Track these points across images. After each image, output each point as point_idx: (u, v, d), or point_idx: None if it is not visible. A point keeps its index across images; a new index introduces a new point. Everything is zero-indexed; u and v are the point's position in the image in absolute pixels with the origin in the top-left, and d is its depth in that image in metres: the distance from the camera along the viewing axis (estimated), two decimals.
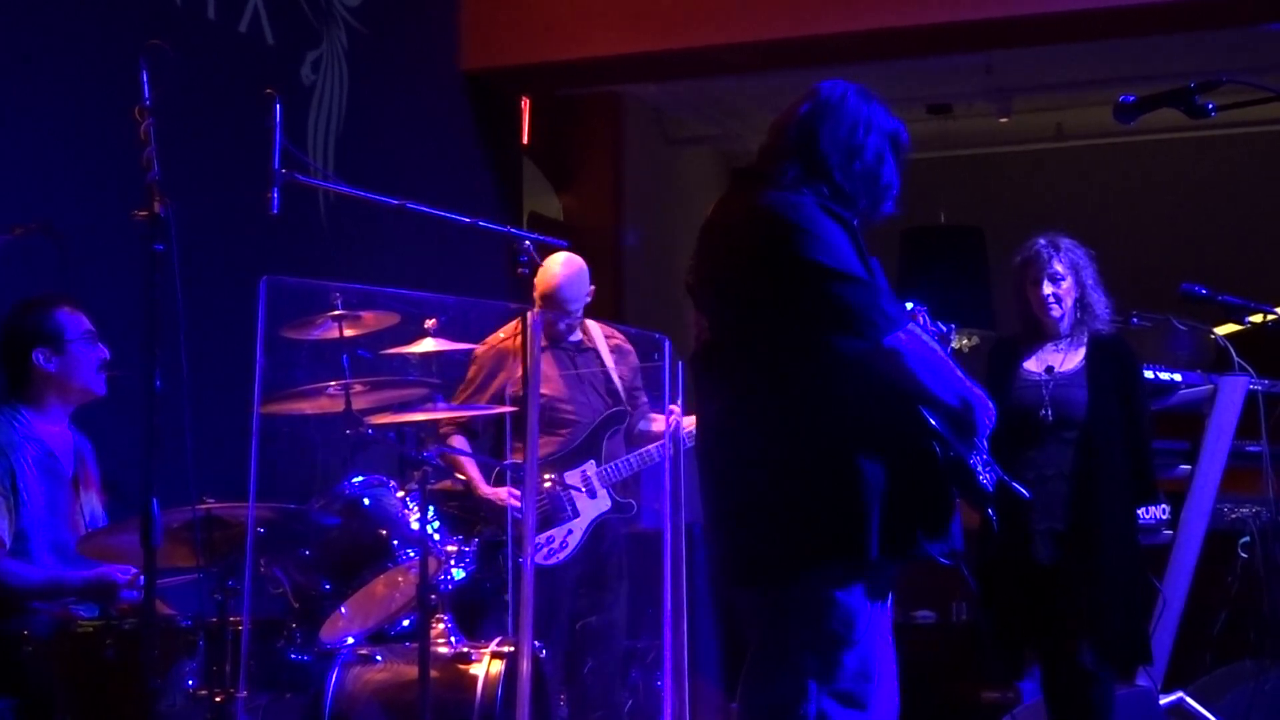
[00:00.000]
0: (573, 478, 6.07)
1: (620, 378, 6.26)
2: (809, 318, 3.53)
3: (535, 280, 6.04)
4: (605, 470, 6.11)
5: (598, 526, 6.10)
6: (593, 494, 6.09)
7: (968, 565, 5.46)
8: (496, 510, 5.85)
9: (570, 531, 6.02)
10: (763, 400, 3.60)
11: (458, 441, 6.09)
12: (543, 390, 6.05)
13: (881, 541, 3.49)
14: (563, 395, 6.17)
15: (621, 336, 6.32)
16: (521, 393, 5.91)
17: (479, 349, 6.08)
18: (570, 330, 6.23)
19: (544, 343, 6.13)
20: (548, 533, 5.98)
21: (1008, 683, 6.13)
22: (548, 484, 6.03)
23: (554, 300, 6.10)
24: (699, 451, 3.86)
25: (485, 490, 6.00)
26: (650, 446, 6.17)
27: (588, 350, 6.29)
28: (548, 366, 6.16)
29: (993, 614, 5.61)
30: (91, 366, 4.92)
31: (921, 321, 3.89)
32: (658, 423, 6.13)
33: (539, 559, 5.88)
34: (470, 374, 6.14)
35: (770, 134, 3.81)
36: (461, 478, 6.00)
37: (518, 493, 5.86)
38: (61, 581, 4.77)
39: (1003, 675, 6.01)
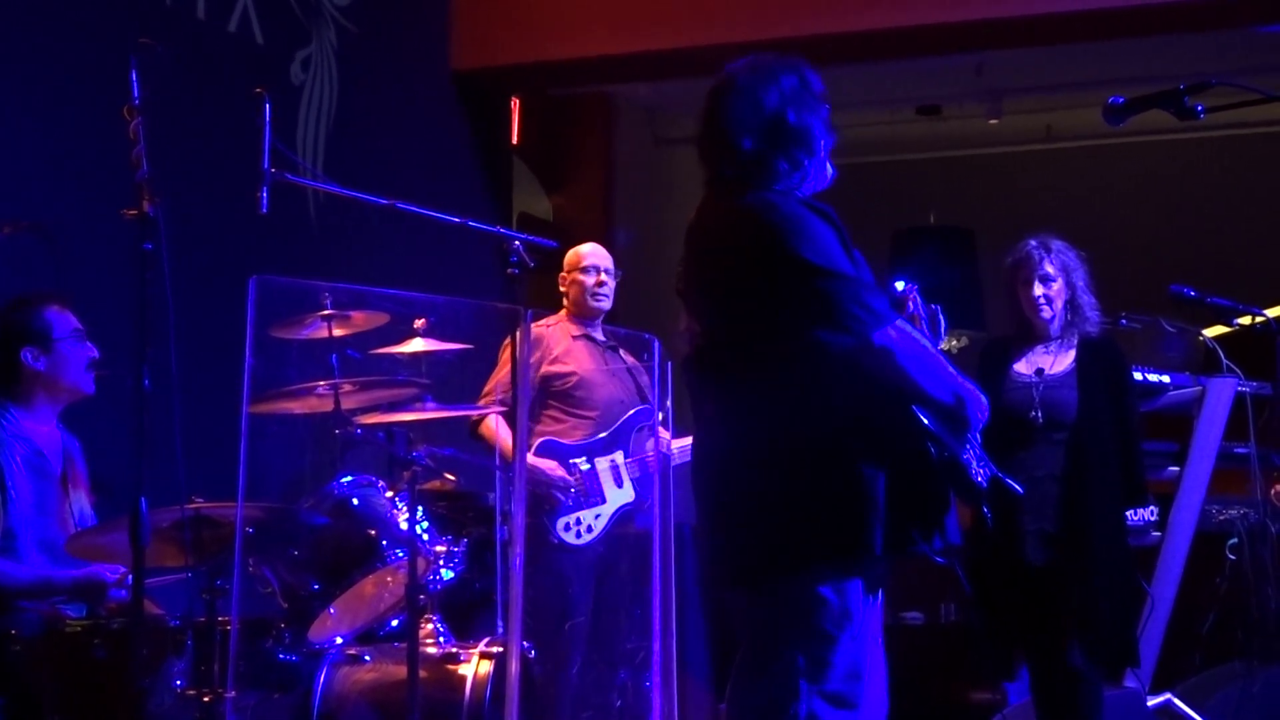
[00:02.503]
0: (603, 463, 6.10)
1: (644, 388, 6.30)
2: (797, 316, 3.53)
3: (564, 263, 6.30)
4: (632, 463, 6.13)
5: (621, 516, 6.11)
6: (619, 483, 6.10)
7: (960, 565, 5.48)
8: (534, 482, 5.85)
9: (598, 515, 6.04)
10: (756, 400, 3.60)
11: (496, 418, 6.05)
12: (573, 369, 6.18)
13: (876, 539, 3.50)
14: (593, 378, 6.21)
15: (640, 365, 6.35)
16: (553, 372, 6.11)
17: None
18: (604, 302, 6.30)
19: (576, 331, 6.27)
20: (577, 514, 6.01)
21: (998, 683, 6.13)
22: (585, 466, 6.06)
23: (581, 262, 6.27)
24: (693, 453, 3.85)
25: (530, 458, 5.86)
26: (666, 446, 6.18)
27: (618, 352, 6.36)
28: (579, 351, 6.24)
29: (984, 614, 5.62)
30: (80, 365, 4.92)
31: (913, 303, 3.88)
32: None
33: (569, 539, 5.95)
34: (504, 357, 6.12)
35: (698, 145, 3.79)
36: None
37: (556, 466, 5.95)
38: (50, 581, 4.76)
39: (994, 675, 6.01)
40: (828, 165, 3.76)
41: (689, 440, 4.16)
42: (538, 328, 6.11)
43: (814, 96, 3.73)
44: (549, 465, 5.97)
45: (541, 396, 6.12)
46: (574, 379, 6.17)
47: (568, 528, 5.97)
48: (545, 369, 6.12)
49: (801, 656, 3.54)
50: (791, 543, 3.56)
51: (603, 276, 6.28)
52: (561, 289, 6.35)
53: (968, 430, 3.65)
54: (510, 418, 5.83)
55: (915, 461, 3.56)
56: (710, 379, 3.75)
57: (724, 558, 3.71)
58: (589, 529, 6.03)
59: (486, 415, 6.07)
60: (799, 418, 3.55)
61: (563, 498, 5.97)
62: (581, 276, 6.28)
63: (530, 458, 5.94)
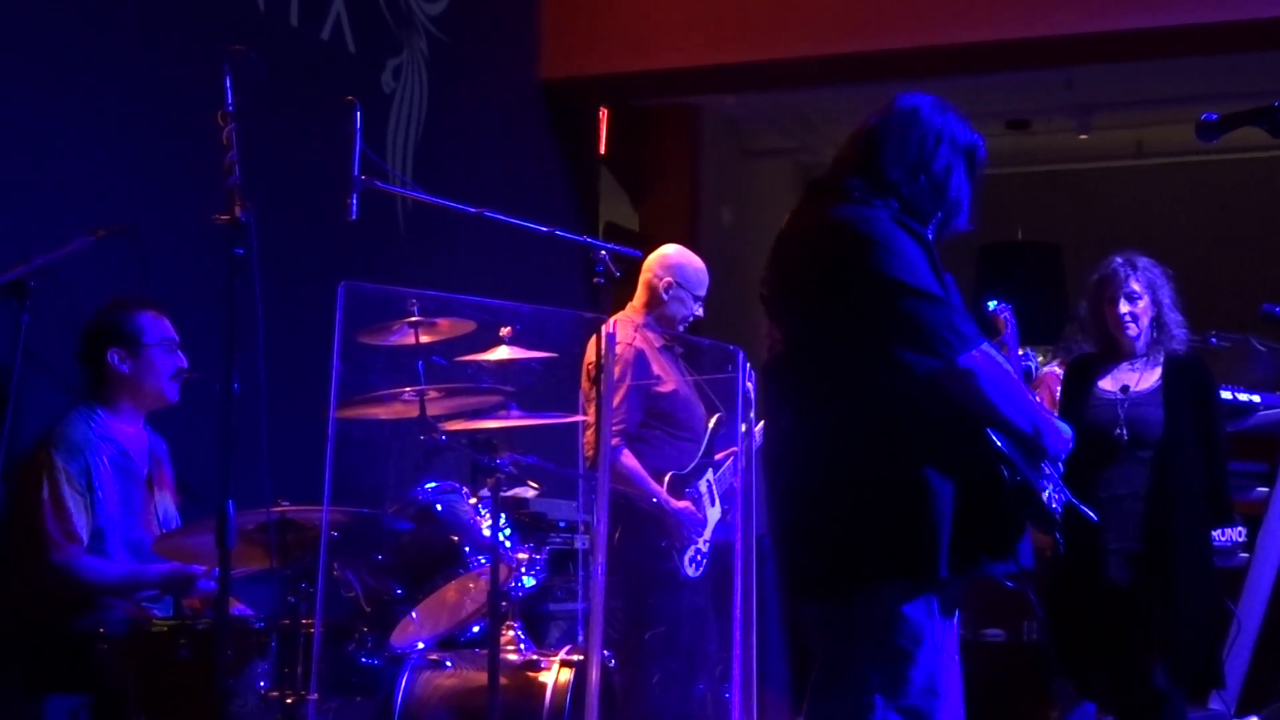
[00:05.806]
0: (703, 486, 5.98)
1: None
2: (881, 333, 3.51)
3: (656, 265, 6.11)
4: (719, 478, 6.03)
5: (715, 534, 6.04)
6: (712, 502, 6.00)
7: (1039, 584, 5.44)
8: (674, 524, 5.84)
9: (708, 542, 5.95)
10: (832, 413, 3.59)
11: (627, 456, 5.85)
12: (675, 388, 6.02)
13: (948, 559, 3.48)
14: (686, 394, 6.07)
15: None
16: (661, 392, 5.95)
17: (620, 349, 5.88)
18: (689, 321, 6.14)
19: (658, 342, 6.08)
20: (694, 545, 5.91)
21: (1078, 702, 6.08)
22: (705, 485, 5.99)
23: (701, 289, 6.10)
24: (766, 462, 3.84)
25: (677, 505, 5.88)
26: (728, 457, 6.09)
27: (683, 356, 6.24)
28: (669, 365, 6.08)
29: (1064, 633, 5.58)
30: (165, 373, 4.96)
31: (1007, 324, 3.85)
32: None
33: (691, 572, 5.87)
34: (616, 373, 5.97)
35: (844, 144, 3.81)
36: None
37: (692, 507, 5.88)
38: (140, 575, 4.82)
39: (1073, 694, 5.96)
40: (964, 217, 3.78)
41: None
42: (633, 341, 5.93)
43: (975, 172, 3.76)
44: (688, 507, 5.88)
45: (647, 416, 5.95)
46: (679, 398, 6.02)
47: (692, 561, 5.88)
48: (657, 389, 5.94)
49: (877, 672, 3.53)
50: (863, 558, 3.54)
51: (700, 310, 6.14)
52: (658, 289, 6.10)
53: (1044, 459, 3.63)
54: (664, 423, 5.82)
55: (987, 484, 3.53)
56: (787, 388, 3.74)
57: (798, 570, 3.71)
58: (703, 555, 5.93)
59: (618, 447, 5.86)
60: (872, 433, 3.53)
61: (696, 538, 5.89)
62: (694, 304, 6.10)
63: (677, 503, 5.89)
